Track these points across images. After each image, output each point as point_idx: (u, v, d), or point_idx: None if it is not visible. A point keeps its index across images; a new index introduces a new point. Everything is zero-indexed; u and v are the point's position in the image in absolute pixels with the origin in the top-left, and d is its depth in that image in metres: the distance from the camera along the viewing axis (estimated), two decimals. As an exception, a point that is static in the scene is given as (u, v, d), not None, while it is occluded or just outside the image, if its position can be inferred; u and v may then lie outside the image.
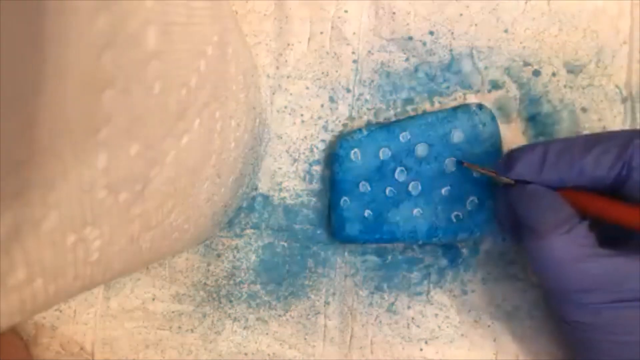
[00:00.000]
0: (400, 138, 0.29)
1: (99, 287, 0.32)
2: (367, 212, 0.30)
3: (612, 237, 0.24)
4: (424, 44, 0.30)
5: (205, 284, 0.32)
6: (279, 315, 0.31)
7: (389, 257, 0.31)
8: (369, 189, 0.30)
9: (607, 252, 0.22)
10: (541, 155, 0.24)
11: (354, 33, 0.31)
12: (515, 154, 0.25)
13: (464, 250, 0.31)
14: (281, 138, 0.31)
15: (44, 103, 0.10)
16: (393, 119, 0.31)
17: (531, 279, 0.30)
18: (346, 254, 0.31)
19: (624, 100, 0.30)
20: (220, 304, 0.32)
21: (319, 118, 0.31)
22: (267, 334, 0.31)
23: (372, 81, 0.31)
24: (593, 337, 0.23)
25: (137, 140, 0.13)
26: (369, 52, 0.31)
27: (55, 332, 0.32)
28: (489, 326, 0.30)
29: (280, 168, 0.31)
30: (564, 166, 0.24)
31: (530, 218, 0.24)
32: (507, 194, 0.26)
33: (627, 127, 0.30)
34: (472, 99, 0.30)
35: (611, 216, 0.23)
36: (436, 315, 0.31)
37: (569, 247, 0.22)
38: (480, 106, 0.29)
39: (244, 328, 0.31)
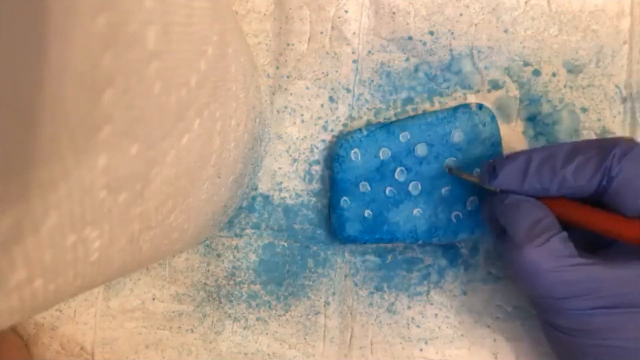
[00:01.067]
0: (400, 138, 0.29)
1: (99, 287, 0.32)
2: (367, 212, 0.30)
3: (594, 244, 0.25)
4: (424, 44, 0.30)
5: (205, 284, 0.32)
6: (279, 315, 0.31)
7: (389, 257, 0.31)
8: (369, 189, 0.30)
9: (586, 261, 0.22)
10: (524, 165, 0.24)
11: (354, 33, 0.31)
12: (498, 163, 0.25)
13: (464, 250, 0.31)
14: (281, 138, 0.31)
15: (44, 103, 0.10)
16: (393, 119, 0.31)
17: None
18: (346, 254, 0.31)
19: (623, 100, 0.30)
20: (220, 304, 0.32)
21: (319, 118, 0.31)
22: (267, 334, 0.31)
23: (372, 81, 0.31)
24: (576, 341, 0.24)
25: (137, 140, 0.13)
26: (369, 52, 0.31)
27: (55, 332, 0.32)
28: (489, 326, 0.30)
29: (280, 168, 0.31)
30: (546, 175, 0.24)
31: (509, 228, 0.24)
32: (491, 202, 0.26)
33: (627, 127, 0.30)
34: (472, 99, 0.30)
35: (592, 225, 0.24)
36: (436, 315, 0.31)
37: (544, 258, 0.23)
38: (480, 106, 0.29)
39: (244, 328, 0.31)
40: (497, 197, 0.26)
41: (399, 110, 0.31)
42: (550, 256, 0.22)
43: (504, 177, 0.25)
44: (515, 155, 0.25)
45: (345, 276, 0.31)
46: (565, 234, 0.23)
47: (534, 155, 0.24)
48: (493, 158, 0.29)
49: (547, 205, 0.24)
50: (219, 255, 0.32)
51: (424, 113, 0.30)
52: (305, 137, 0.31)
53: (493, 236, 0.29)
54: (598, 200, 0.24)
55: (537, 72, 0.30)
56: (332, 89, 0.31)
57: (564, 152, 0.24)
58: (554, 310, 0.24)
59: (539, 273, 0.23)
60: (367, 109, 0.31)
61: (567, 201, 0.24)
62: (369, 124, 0.31)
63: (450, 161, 0.29)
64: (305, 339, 0.31)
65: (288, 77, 0.31)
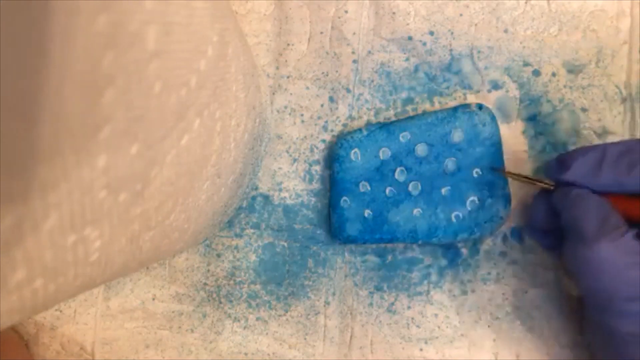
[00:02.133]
0: (400, 138, 0.29)
1: (99, 287, 0.32)
2: (367, 212, 0.30)
3: None
4: (424, 44, 0.30)
5: (205, 284, 0.32)
6: (279, 315, 0.31)
7: (389, 257, 0.31)
8: (369, 189, 0.30)
9: None
10: (599, 157, 0.24)
11: (354, 33, 0.31)
12: (570, 155, 0.24)
13: (464, 250, 0.31)
14: (281, 138, 0.31)
15: (44, 103, 0.10)
16: (393, 119, 0.31)
17: (568, 287, 0.30)
18: (346, 254, 0.31)
19: (623, 100, 0.30)
20: (220, 304, 0.32)
21: (319, 118, 0.31)
22: (267, 334, 0.31)
23: (372, 81, 0.31)
24: (627, 346, 0.23)
25: (137, 140, 0.13)
26: (369, 52, 0.31)
27: (55, 332, 0.32)
28: (489, 326, 0.30)
29: (280, 168, 0.31)
30: (623, 169, 0.23)
31: (578, 224, 0.23)
32: (549, 199, 0.25)
33: (627, 127, 0.30)
34: (472, 99, 0.30)
35: None
36: (436, 315, 0.31)
37: (617, 254, 0.22)
38: (480, 106, 0.29)
39: (244, 328, 0.31)
40: (559, 192, 0.25)
41: (399, 110, 0.31)
42: (624, 252, 0.22)
43: (577, 169, 0.24)
44: (586, 149, 0.24)
45: (345, 276, 0.31)
46: (635, 230, 0.22)
47: (609, 148, 0.24)
48: (493, 158, 0.29)
49: (611, 202, 0.24)
50: (219, 255, 0.32)
51: (424, 113, 0.30)
52: (305, 137, 0.31)
53: (537, 237, 0.28)
54: None
55: (537, 72, 0.30)
56: (332, 89, 0.31)
57: None
58: (614, 311, 0.23)
59: (611, 269, 0.22)
60: (367, 109, 0.31)
61: (630, 198, 0.23)
62: (369, 124, 0.31)
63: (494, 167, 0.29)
64: (305, 339, 0.31)
65: (288, 77, 0.31)
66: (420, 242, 0.30)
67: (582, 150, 0.24)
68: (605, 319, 0.23)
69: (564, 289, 0.30)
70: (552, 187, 0.25)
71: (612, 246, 0.22)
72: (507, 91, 0.30)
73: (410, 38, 0.30)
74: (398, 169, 0.29)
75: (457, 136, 0.29)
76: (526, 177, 0.27)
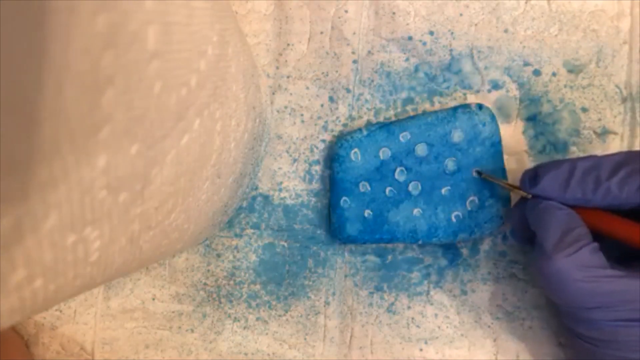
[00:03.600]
0: (400, 138, 0.29)
1: (99, 287, 0.32)
2: (367, 212, 0.30)
3: (629, 256, 0.24)
4: (424, 44, 0.30)
5: (205, 284, 0.32)
6: (279, 315, 0.31)
7: (389, 257, 0.31)
8: (369, 189, 0.30)
9: (616, 272, 0.22)
10: (567, 173, 0.24)
11: (354, 33, 0.31)
12: (540, 170, 0.25)
13: (464, 250, 0.31)
14: (281, 138, 0.31)
15: (44, 103, 0.10)
16: (393, 119, 0.31)
17: (542, 291, 0.30)
18: (346, 254, 0.31)
19: (623, 100, 0.30)
20: (220, 304, 0.32)
21: (319, 118, 0.31)
22: (267, 334, 0.31)
23: (372, 81, 0.31)
24: (600, 352, 0.24)
25: (137, 140, 0.13)
26: (369, 52, 0.31)
27: (55, 332, 0.32)
28: (489, 326, 0.30)
29: (280, 168, 0.31)
30: (590, 185, 0.24)
31: (541, 235, 0.24)
32: (523, 208, 0.26)
33: (627, 127, 0.30)
34: (472, 99, 0.30)
35: (623, 236, 0.23)
36: (436, 315, 0.31)
37: (573, 268, 0.22)
38: (480, 106, 0.29)
39: (244, 328, 0.31)
40: (530, 202, 0.25)
41: (399, 110, 0.31)
42: (579, 266, 0.22)
43: (546, 184, 0.25)
44: (557, 163, 0.25)
45: (345, 276, 0.31)
46: (596, 244, 0.23)
47: (578, 164, 0.24)
48: (493, 158, 0.29)
49: (580, 215, 0.24)
50: (219, 255, 0.32)
51: (424, 113, 0.30)
52: (305, 137, 0.31)
53: (519, 242, 0.29)
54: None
55: (537, 72, 0.30)
56: (332, 89, 0.31)
57: (610, 162, 0.24)
58: (580, 320, 0.24)
59: (567, 282, 0.23)
60: (367, 109, 0.31)
61: (600, 212, 0.24)
62: (369, 124, 0.31)
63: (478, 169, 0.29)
64: (305, 339, 0.31)
65: (288, 77, 0.31)
66: (420, 242, 0.30)
67: (553, 164, 0.25)
68: (575, 327, 0.24)
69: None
70: (529, 196, 0.26)
71: (568, 260, 0.23)
72: (507, 91, 0.30)
73: (410, 38, 0.30)
74: (398, 169, 0.29)
75: (457, 136, 0.29)
76: (506, 184, 0.28)
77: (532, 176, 0.25)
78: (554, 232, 0.23)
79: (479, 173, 0.29)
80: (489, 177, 0.28)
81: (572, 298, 0.23)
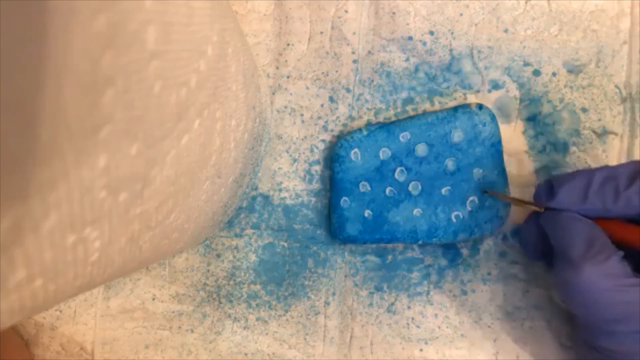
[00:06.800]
0: (400, 138, 0.29)
1: (99, 287, 0.32)
2: (367, 212, 0.30)
3: None
4: (424, 44, 0.30)
5: (205, 284, 0.32)
6: (279, 316, 0.31)
7: (389, 257, 0.31)
8: (369, 189, 0.30)
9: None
10: (584, 184, 0.24)
11: (354, 33, 0.31)
12: (557, 182, 0.25)
13: (464, 250, 0.31)
14: (281, 138, 0.31)
15: (44, 103, 0.10)
16: (393, 119, 0.31)
17: (559, 304, 0.30)
18: (346, 254, 0.31)
19: (623, 100, 0.30)
20: (220, 304, 0.32)
21: (319, 118, 0.31)
22: (267, 334, 0.31)
23: (372, 81, 0.31)
24: None
25: (137, 140, 0.13)
26: (369, 52, 0.31)
27: (55, 332, 0.32)
28: (489, 326, 0.30)
29: (280, 168, 0.31)
30: (609, 195, 0.24)
31: (565, 246, 0.24)
32: (538, 221, 0.26)
33: (626, 127, 0.30)
34: (472, 99, 0.30)
35: None
36: (436, 315, 0.31)
37: (602, 277, 0.22)
38: (480, 106, 0.29)
39: (244, 328, 0.31)
40: (547, 216, 0.25)
41: (399, 110, 0.31)
42: (608, 275, 0.22)
43: (564, 196, 0.24)
44: (573, 175, 0.25)
45: (345, 276, 0.31)
46: (621, 253, 0.23)
47: (595, 174, 0.24)
48: (493, 158, 0.29)
49: (600, 225, 0.24)
50: (219, 255, 0.32)
51: (424, 113, 0.30)
52: (305, 137, 0.31)
53: (532, 257, 0.29)
54: None
55: (537, 72, 0.30)
56: (332, 89, 0.31)
57: (627, 171, 0.24)
58: (601, 331, 0.23)
59: (595, 292, 0.22)
60: (367, 109, 0.31)
61: (618, 222, 0.24)
62: (369, 124, 0.31)
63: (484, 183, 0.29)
64: (305, 339, 0.31)
65: (288, 77, 0.31)
66: (420, 242, 0.30)
67: (568, 176, 0.25)
68: (595, 339, 0.24)
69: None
70: (542, 210, 0.26)
71: (596, 270, 0.22)
72: (507, 91, 0.30)
73: (410, 38, 0.30)
74: (398, 169, 0.29)
75: (457, 136, 0.29)
76: (518, 200, 0.28)
77: (548, 189, 0.25)
78: (579, 242, 0.23)
79: (486, 191, 0.29)
80: (497, 194, 0.28)
81: (600, 308, 0.23)
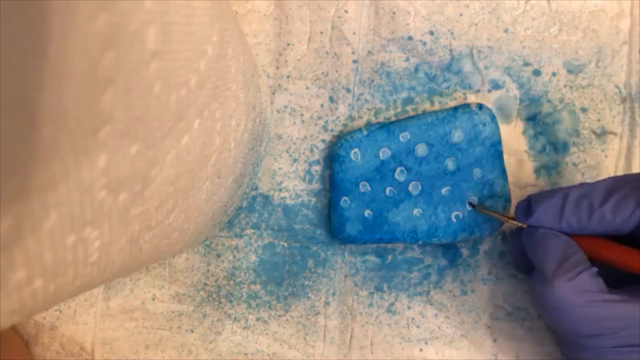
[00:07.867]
0: (400, 138, 0.29)
1: (99, 287, 0.32)
2: (367, 212, 0.30)
3: (624, 282, 0.24)
4: (424, 44, 0.30)
5: (205, 284, 0.32)
6: (279, 316, 0.31)
7: (389, 257, 0.31)
8: (369, 189, 0.30)
9: (614, 297, 0.22)
10: (560, 202, 0.24)
11: (354, 33, 0.31)
12: (533, 200, 0.25)
13: (464, 250, 0.31)
14: (281, 138, 0.31)
15: (44, 103, 0.10)
16: (393, 119, 0.31)
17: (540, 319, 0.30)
18: (346, 254, 0.31)
19: (623, 100, 0.30)
20: (220, 304, 0.32)
21: (319, 118, 0.31)
22: (267, 334, 0.31)
23: (372, 81, 0.31)
24: None
25: (137, 140, 0.13)
26: (369, 52, 0.31)
27: (55, 332, 0.32)
28: (489, 326, 0.30)
29: (280, 168, 0.31)
30: (584, 213, 0.24)
31: (539, 262, 0.24)
32: (520, 237, 0.26)
33: (626, 127, 0.30)
34: (472, 98, 0.30)
35: (619, 262, 0.24)
36: (436, 315, 0.31)
37: (573, 293, 0.22)
38: (480, 106, 0.29)
39: (244, 328, 0.31)
40: (526, 231, 0.26)
41: (399, 110, 0.31)
42: (580, 291, 0.22)
43: (541, 214, 0.25)
44: (550, 193, 0.25)
45: (345, 276, 0.31)
46: (595, 269, 0.23)
47: (570, 192, 0.24)
48: (493, 158, 0.29)
49: (577, 242, 0.24)
50: (219, 255, 0.32)
51: (424, 113, 0.30)
52: (305, 137, 0.31)
53: (518, 270, 0.30)
54: (637, 239, 0.24)
55: (537, 72, 0.30)
56: (332, 89, 0.31)
57: (601, 189, 0.24)
58: (579, 346, 0.24)
59: (568, 307, 0.23)
60: (367, 109, 0.31)
61: (596, 238, 0.24)
62: (369, 124, 0.31)
63: (472, 198, 0.29)
64: (305, 339, 0.31)
65: (288, 77, 0.31)
66: (420, 242, 0.30)
67: (546, 194, 0.25)
68: (571, 353, 0.25)
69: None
70: (525, 226, 0.26)
71: (568, 285, 0.23)
72: (507, 91, 0.30)
73: (410, 38, 0.30)
74: (398, 169, 0.29)
75: (457, 136, 0.29)
76: (501, 215, 0.28)
77: (526, 207, 0.26)
78: (552, 258, 0.24)
79: (472, 205, 0.29)
80: (483, 210, 0.29)
81: (573, 324, 0.23)
